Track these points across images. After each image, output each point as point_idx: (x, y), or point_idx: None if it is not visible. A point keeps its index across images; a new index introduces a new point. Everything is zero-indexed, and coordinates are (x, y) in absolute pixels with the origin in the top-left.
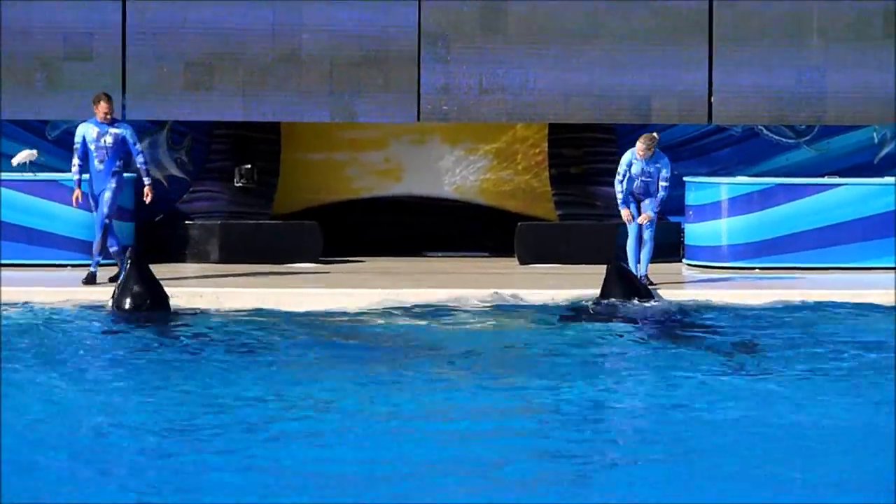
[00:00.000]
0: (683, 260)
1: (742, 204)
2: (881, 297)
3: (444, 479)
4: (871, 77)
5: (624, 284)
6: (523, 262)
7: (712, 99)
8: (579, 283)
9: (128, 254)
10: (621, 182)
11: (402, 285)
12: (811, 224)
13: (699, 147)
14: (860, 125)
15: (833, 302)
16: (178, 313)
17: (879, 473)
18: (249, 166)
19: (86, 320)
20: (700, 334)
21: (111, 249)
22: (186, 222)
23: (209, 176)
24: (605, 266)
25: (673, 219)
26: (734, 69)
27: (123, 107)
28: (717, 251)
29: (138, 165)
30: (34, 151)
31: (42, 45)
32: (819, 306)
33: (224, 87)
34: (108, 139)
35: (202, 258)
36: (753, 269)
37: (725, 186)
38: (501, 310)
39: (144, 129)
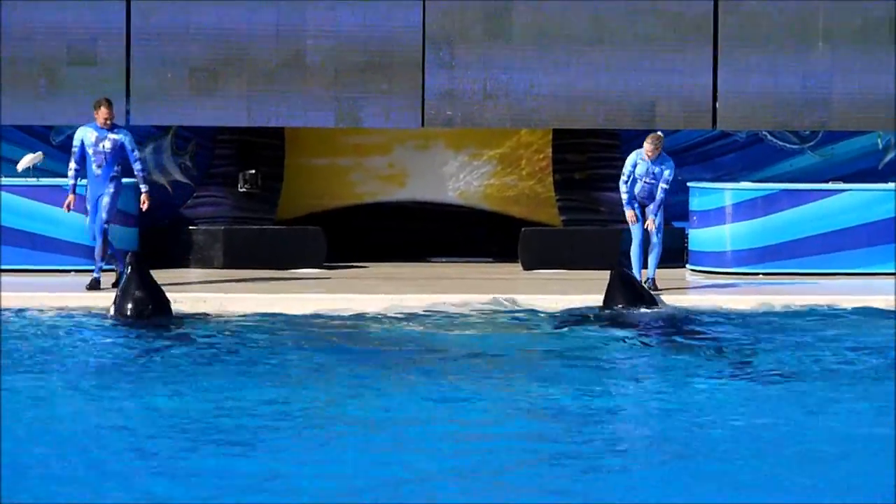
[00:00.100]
0: (687, 265)
1: (746, 209)
2: (887, 302)
3: (445, 483)
4: (876, 82)
5: (628, 291)
6: (527, 267)
7: (717, 104)
8: (583, 289)
9: (128, 259)
10: (626, 183)
11: (406, 290)
12: (815, 230)
13: (703, 152)
14: (864, 131)
15: (838, 307)
16: (182, 318)
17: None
18: (253, 171)
19: (87, 326)
20: (704, 340)
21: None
22: (190, 227)
23: (213, 181)
24: (608, 272)
25: (677, 224)
26: (739, 74)
27: (127, 112)
28: (721, 257)
29: (136, 173)
30: (40, 154)
31: (46, 49)
32: (824, 311)
33: (228, 92)
34: (107, 144)
35: (206, 263)
36: (757, 274)
37: (729, 192)
38: (505, 315)
39: (148, 135)
